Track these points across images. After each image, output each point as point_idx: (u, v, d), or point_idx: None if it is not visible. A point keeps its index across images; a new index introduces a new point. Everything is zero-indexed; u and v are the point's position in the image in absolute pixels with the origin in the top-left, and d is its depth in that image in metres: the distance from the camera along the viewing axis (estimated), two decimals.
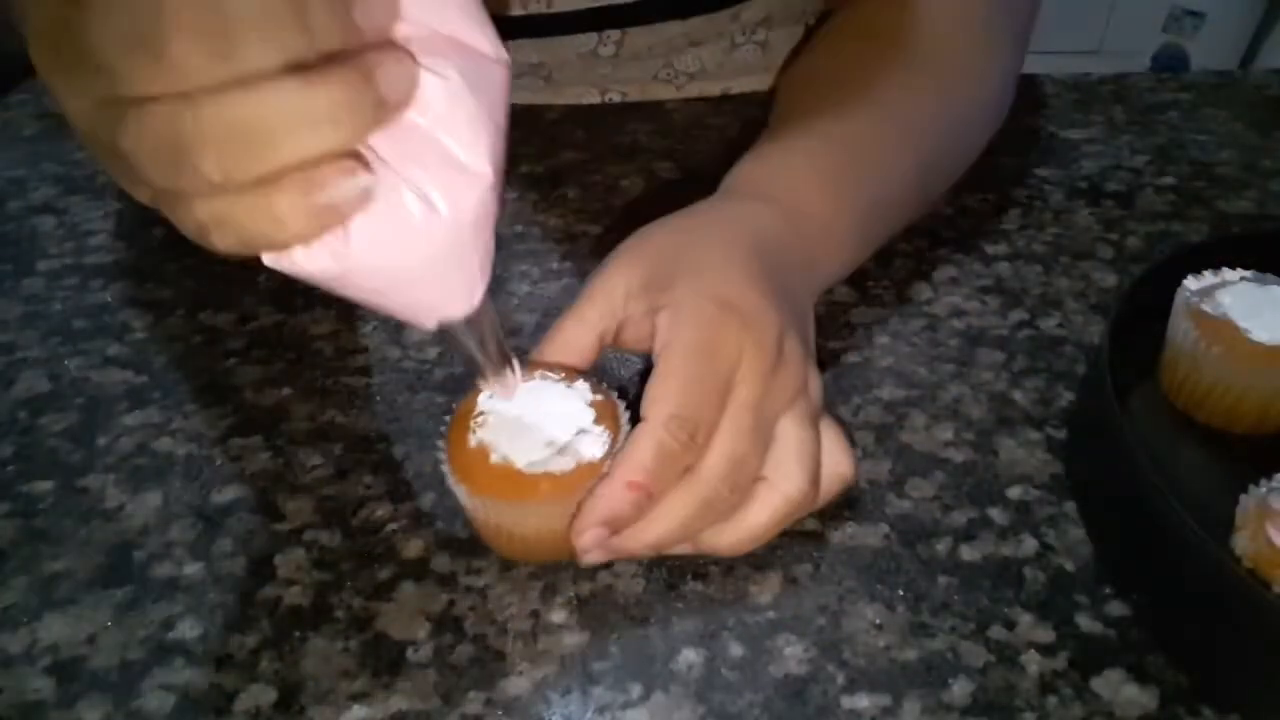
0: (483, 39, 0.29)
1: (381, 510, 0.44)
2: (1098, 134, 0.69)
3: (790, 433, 0.40)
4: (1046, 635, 0.38)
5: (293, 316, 0.54)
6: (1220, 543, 0.38)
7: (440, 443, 0.40)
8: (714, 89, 0.73)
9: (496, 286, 0.56)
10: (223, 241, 0.27)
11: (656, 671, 0.37)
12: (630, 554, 0.39)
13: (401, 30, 0.27)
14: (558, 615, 0.39)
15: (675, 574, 0.41)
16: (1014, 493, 0.44)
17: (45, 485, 0.45)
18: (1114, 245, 0.59)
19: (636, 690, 0.37)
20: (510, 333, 0.53)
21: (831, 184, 0.49)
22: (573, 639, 0.38)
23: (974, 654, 0.38)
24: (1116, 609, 0.39)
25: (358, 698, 0.37)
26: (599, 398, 0.40)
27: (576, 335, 0.42)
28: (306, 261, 0.28)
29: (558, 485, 0.38)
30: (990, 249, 0.58)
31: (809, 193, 0.48)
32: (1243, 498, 0.39)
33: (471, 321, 0.34)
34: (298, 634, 0.39)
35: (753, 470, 0.39)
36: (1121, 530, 0.41)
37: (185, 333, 0.54)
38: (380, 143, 0.27)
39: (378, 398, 0.49)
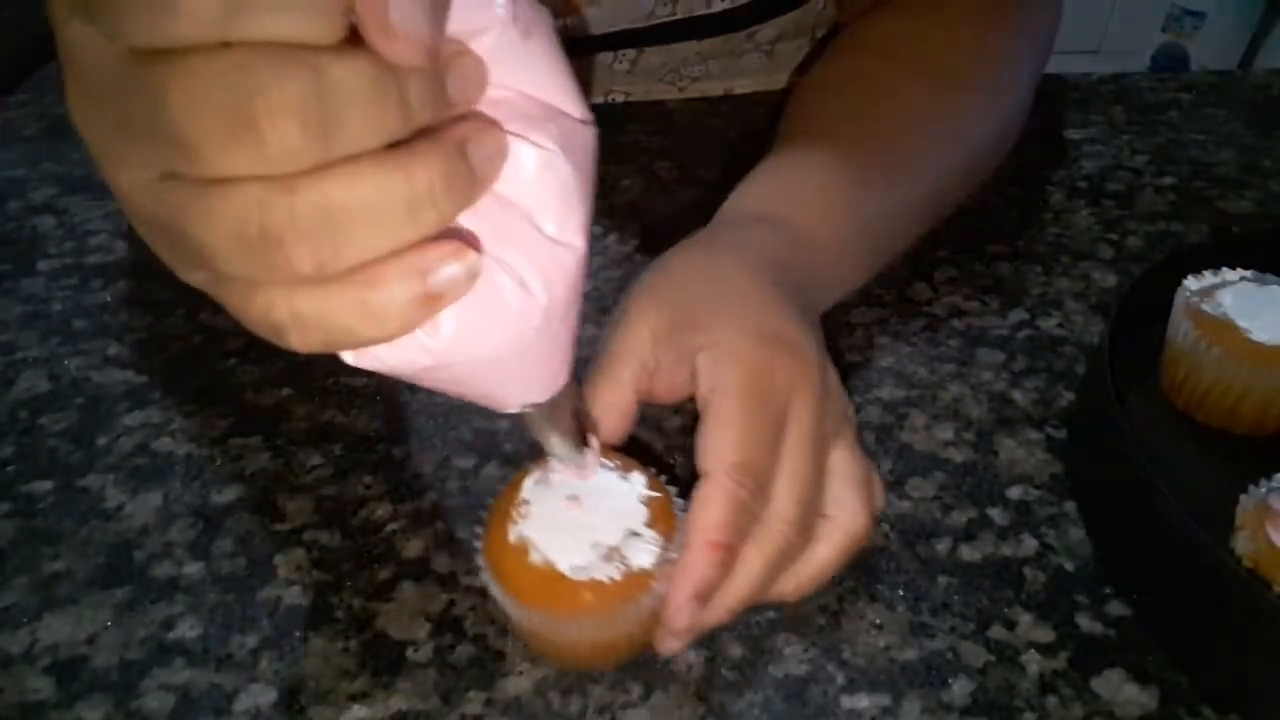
0: (569, 100, 0.26)
1: (381, 510, 0.44)
2: (1098, 134, 0.69)
3: (843, 463, 0.38)
4: (1046, 635, 0.38)
5: None
6: (1220, 543, 0.38)
7: (478, 528, 0.37)
8: (716, 89, 0.73)
9: None
10: (303, 340, 0.24)
11: (656, 671, 0.37)
12: (711, 626, 0.37)
13: (488, 94, 0.25)
14: None
15: None
16: (1014, 493, 0.44)
17: (45, 485, 0.45)
18: (1114, 245, 0.59)
19: (636, 690, 0.37)
20: None
21: (840, 205, 0.48)
22: None
23: (974, 654, 0.38)
24: (1116, 609, 0.39)
25: (358, 698, 0.37)
26: (655, 494, 0.36)
27: (615, 399, 0.39)
28: (392, 357, 0.25)
29: (602, 596, 0.34)
30: (990, 249, 0.58)
31: (816, 214, 0.47)
32: (1243, 498, 0.39)
33: (554, 402, 0.31)
34: (298, 634, 0.39)
35: (818, 509, 0.38)
36: (1121, 530, 0.41)
37: (185, 333, 0.54)
38: (467, 220, 0.25)
39: (378, 398, 0.49)
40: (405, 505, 0.44)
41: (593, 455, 0.35)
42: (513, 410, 0.30)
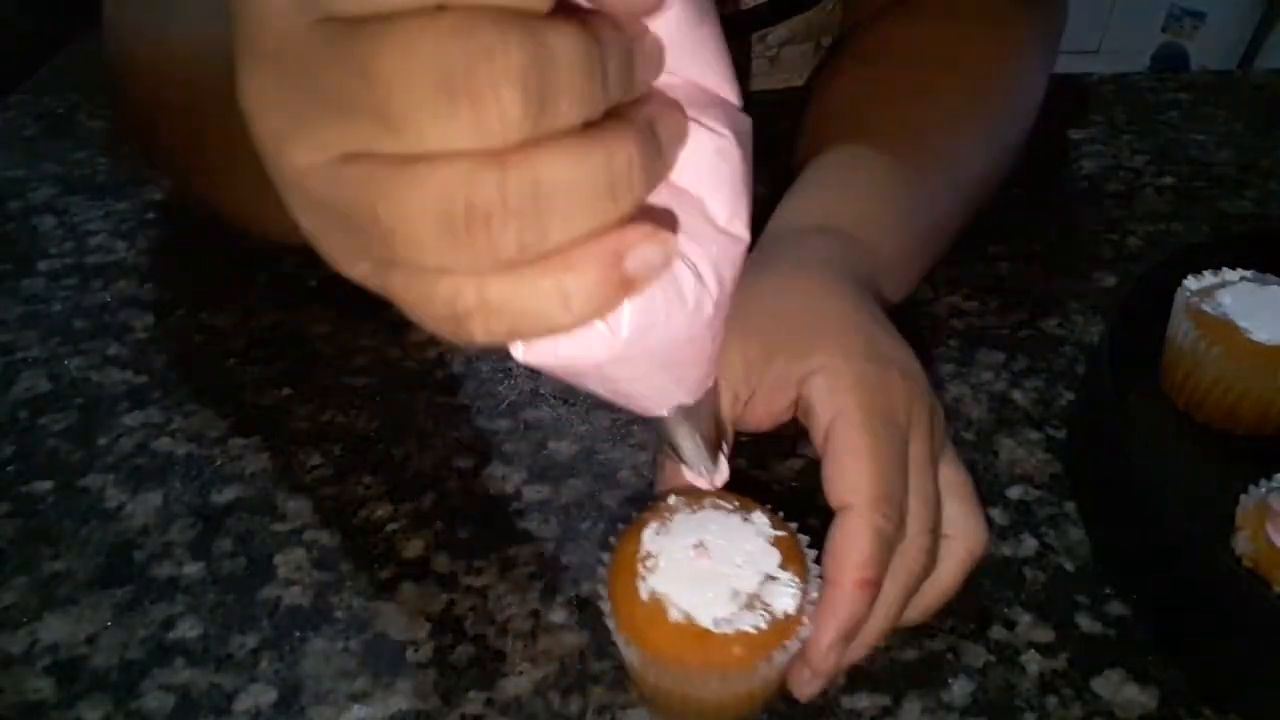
0: (731, 88, 0.25)
1: (381, 510, 0.44)
2: (1098, 134, 0.69)
3: (953, 479, 0.38)
4: (1046, 635, 0.38)
5: (293, 316, 0.54)
6: (1220, 543, 0.38)
7: (601, 588, 0.35)
8: None
9: None
10: (486, 329, 0.22)
11: None
12: (850, 663, 0.36)
13: (660, 79, 0.24)
14: (558, 615, 0.39)
15: None
16: (1014, 493, 0.44)
17: (45, 485, 0.45)
18: (1114, 245, 0.59)
19: (637, 690, 0.37)
20: None
21: (893, 213, 0.48)
22: (573, 639, 0.38)
23: (974, 654, 0.38)
24: (1116, 609, 0.39)
25: (358, 698, 0.37)
26: (781, 533, 0.35)
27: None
28: (568, 349, 0.24)
29: (752, 648, 0.32)
30: (990, 249, 0.58)
31: (872, 224, 0.46)
32: (1243, 498, 0.39)
33: (699, 404, 0.29)
34: (298, 634, 0.39)
35: (941, 532, 0.37)
36: (1121, 530, 0.41)
37: (185, 333, 0.54)
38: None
39: (378, 398, 0.49)
40: (405, 505, 0.44)
41: (725, 463, 0.33)
42: (660, 413, 0.28)
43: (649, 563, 0.33)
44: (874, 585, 0.34)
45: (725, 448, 0.33)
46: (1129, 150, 0.67)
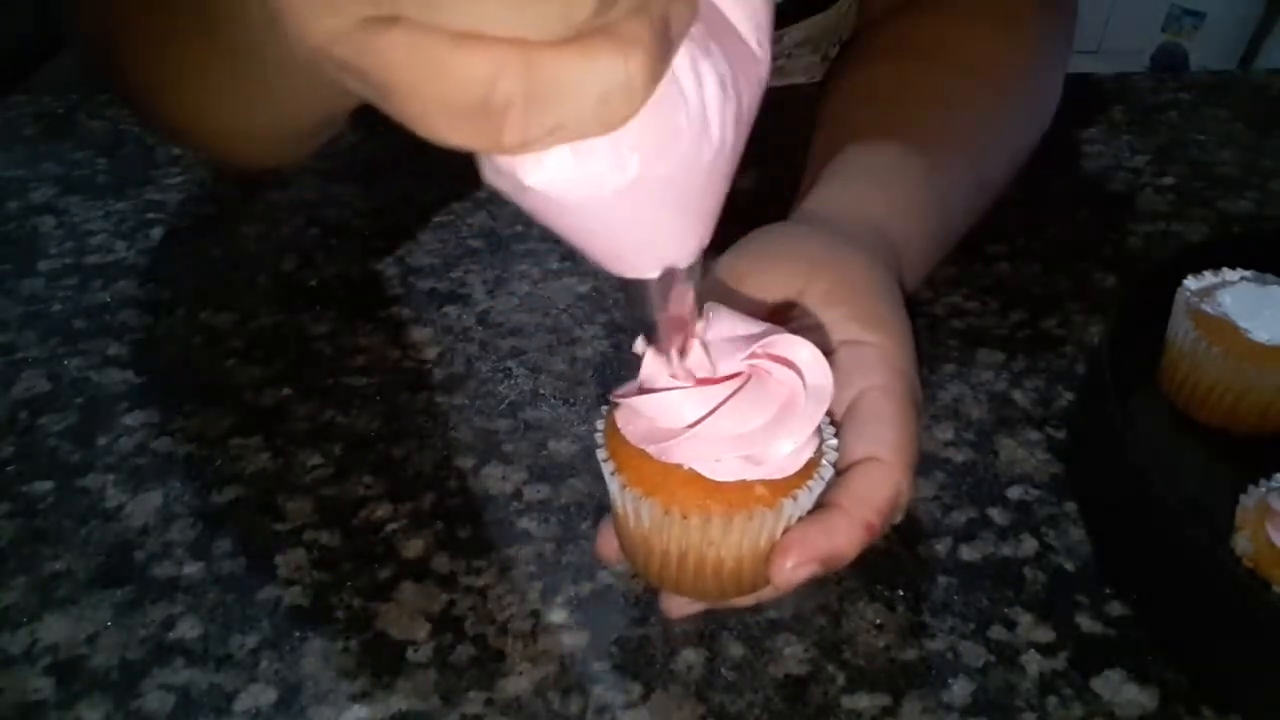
0: None
1: (381, 510, 0.44)
2: (1098, 134, 0.69)
3: None
4: (1046, 635, 0.38)
5: (293, 316, 0.54)
6: (1220, 543, 0.38)
7: (601, 452, 0.33)
8: None
9: (496, 286, 0.56)
10: (524, 127, 0.19)
11: (656, 671, 0.37)
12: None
13: None
14: (558, 615, 0.39)
15: None
16: (1014, 493, 0.44)
17: (45, 485, 0.45)
18: (1114, 245, 0.59)
19: (636, 690, 0.37)
20: (510, 332, 0.53)
21: (916, 216, 0.48)
22: (573, 639, 0.38)
23: (974, 654, 0.38)
24: (1116, 609, 0.39)
25: (358, 698, 0.37)
26: None
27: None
28: (588, 169, 0.21)
29: (774, 487, 0.32)
30: (990, 249, 0.58)
31: (899, 224, 0.47)
32: (1243, 498, 0.39)
33: (689, 271, 0.27)
34: (298, 634, 0.39)
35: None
36: (1121, 530, 0.41)
37: (185, 333, 0.54)
38: None
39: (378, 398, 0.49)
40: (405, 505, 0.44)
41: (702, 354, 0.31)
42: (649, 274, 0.26)
43: None
44: (873, 533, 0.35)
45: (700, 343, 0.31)
46: (1129, 150, 0.67)
